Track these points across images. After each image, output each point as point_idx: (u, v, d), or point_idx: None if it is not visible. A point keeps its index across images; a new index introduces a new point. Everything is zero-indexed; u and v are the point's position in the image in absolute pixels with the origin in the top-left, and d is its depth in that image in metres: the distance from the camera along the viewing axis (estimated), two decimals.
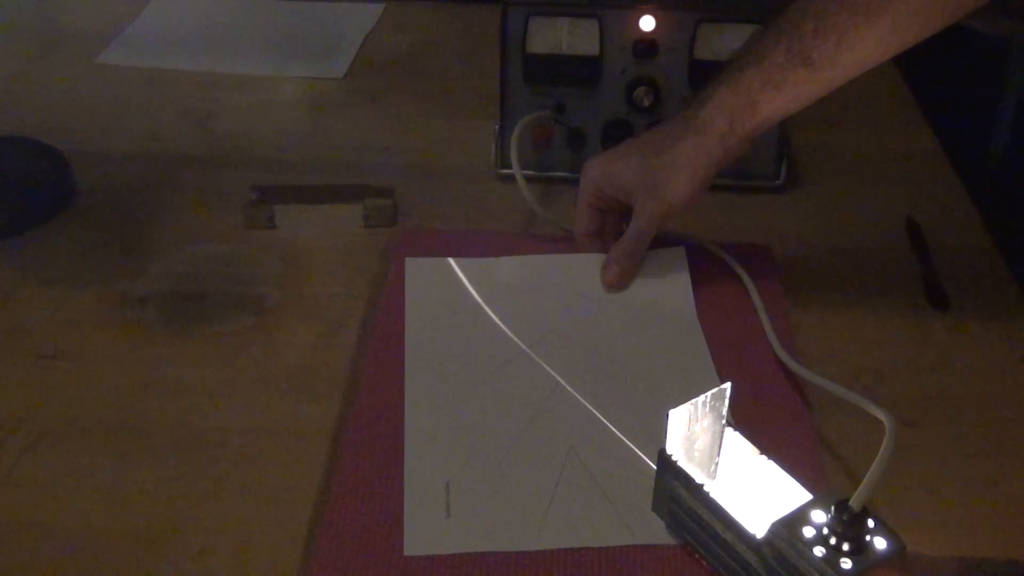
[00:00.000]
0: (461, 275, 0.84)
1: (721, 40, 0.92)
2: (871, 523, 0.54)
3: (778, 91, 0.76)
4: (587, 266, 0.84)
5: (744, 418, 0.68)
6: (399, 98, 1.12)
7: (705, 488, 0.59)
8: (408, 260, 0.84)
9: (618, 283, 0.82)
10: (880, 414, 0.63)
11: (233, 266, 0.87)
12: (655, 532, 0.63)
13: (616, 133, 0.95)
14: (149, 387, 0.75)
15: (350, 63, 1.19)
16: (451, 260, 0.85)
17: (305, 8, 1.32)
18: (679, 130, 0.80)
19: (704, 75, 0.92)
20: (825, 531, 0.54)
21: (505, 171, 0.95)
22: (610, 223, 0.86)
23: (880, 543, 0.54)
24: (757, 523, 0.57)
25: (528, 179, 0.92)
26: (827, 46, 0.73)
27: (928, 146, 1.04)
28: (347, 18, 1.29)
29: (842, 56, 0.73)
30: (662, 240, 0.84)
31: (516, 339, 0.78)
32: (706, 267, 0.85)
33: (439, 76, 1.17)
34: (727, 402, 0.59)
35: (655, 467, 0.63)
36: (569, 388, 0.74)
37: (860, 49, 0.73)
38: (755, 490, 0.59)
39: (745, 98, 0.77)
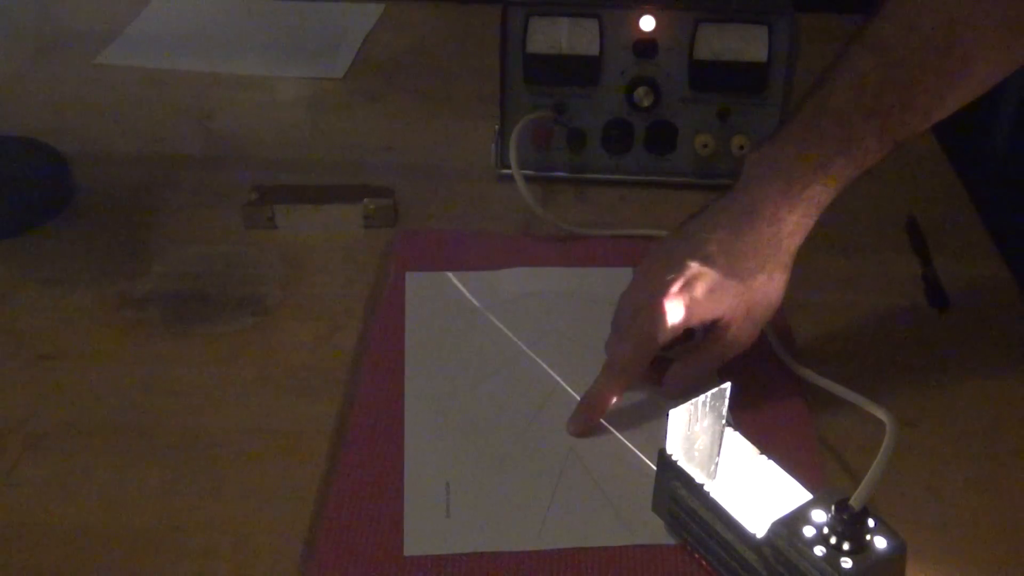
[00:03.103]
0: (461, 287, 0.84)
1: (721, 40, 0.92)
2: (871, 522, 0.54)
3: (863, 174, 0.68)
4: (588, 277, 0.84)
5: (744, 418, 0.68)
6: (399, 98, 1.12)
7: (705, 488, 0.59)
8: (408, 275, 0.84)
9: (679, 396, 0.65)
10: (880, 414, 0.63)
11: (233, 266, 0.87)
12: (655, 532, 0.63)
13: (616, 133, 0.95)
14: (149, 387, 0.75)
15: (350, 63, 1.19)
16: (451, 274, 0.85)
17: (305, 8, 1.32)
18: (766, 238, 0.69)
19: (704, 75, 0.93)
20: (825, 530, 0.54)
21: (505, 171, 0.95)
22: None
23: (880, 542, 0.54)
24: (757, 523, 0.57)
25: (528, 179, 0.92)
26: (915, 120, 0.66)
27: (928, 146, 1.04)
28: (347, 18, 1.29)
29: (924, 126, 0.67)
30: None
31: (516, 340, 0.78)
32: None
33: (439, 76, 1.17)
34: (727, 402, 0.59)
35: (655, 467, 0.63)
36: (569, 389, 0.74)
37: (939, 115, 0.67)
38: (755, 490, 0.59)
39: (836, 190, 0.68)
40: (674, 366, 0.73)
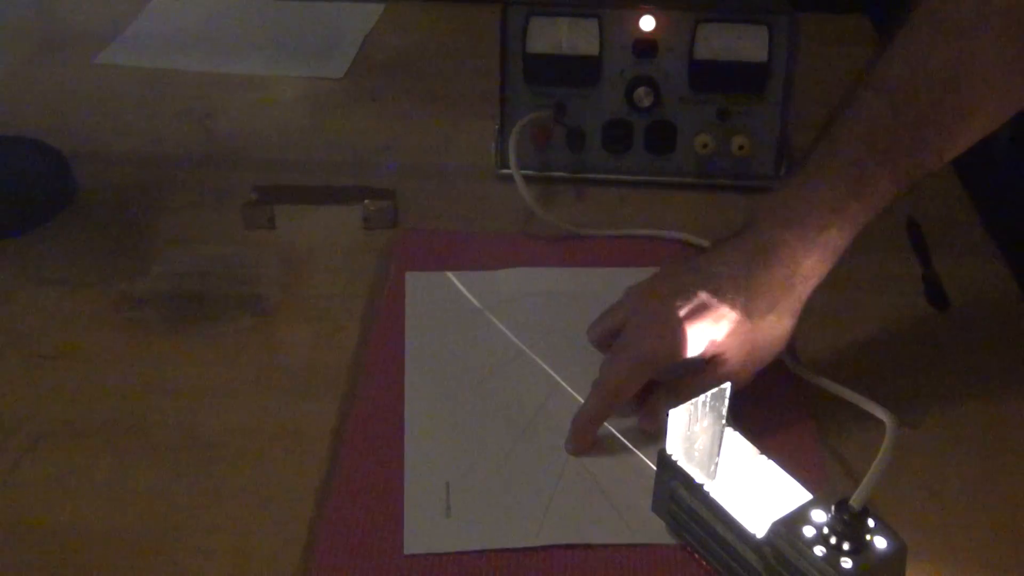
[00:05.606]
0: (461, 287, 0.84)
1: (721, 40, 0.92)
2: (871, 523, 0.54)
3: (878, 216, 0.67)
4: (588, 277, 0.84)
5: (744, 418, 0.68)
6: (399, 98, 1.12)
7: (705, 488, 0.59)
8: (408, 274, 0.84)
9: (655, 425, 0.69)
10: (880, 414, 0.63)
11: (233, 266, 0.87)
12: (655, 532, 0.63)
13: (616, 133, 0.95)
14: (149, 387, 0.75)
15: (350, 63, 1.19)
16: (450, 273, 0.85)
17: (305, 8, 1.32)
18: (780, 279, 0.67)
19: (704, 75, 0.93)
20: (825, 531, 0.54)
21: (505, 171, 0.95)
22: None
23: (880, 543, 0.54)
24: (757, 523, 0.57)
25: (528, 179, 0.92)
26: (928, 160, 0.66)
27: None
28: (347, 18, 1.29)
29: (938, 165, 0.66)
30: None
31: (516, 340, 0.78)
32: None
33: (439, 76, 1.17)
34: (727, 402, 0.59)
35: (655, 467, 0.63)
36: (569, 389, 0.74)
37: (951, 153, 0.66)
38: (755, 490, 0.59)
39: (852, 234, 0.67)
40: (659, 392, 0.70)
